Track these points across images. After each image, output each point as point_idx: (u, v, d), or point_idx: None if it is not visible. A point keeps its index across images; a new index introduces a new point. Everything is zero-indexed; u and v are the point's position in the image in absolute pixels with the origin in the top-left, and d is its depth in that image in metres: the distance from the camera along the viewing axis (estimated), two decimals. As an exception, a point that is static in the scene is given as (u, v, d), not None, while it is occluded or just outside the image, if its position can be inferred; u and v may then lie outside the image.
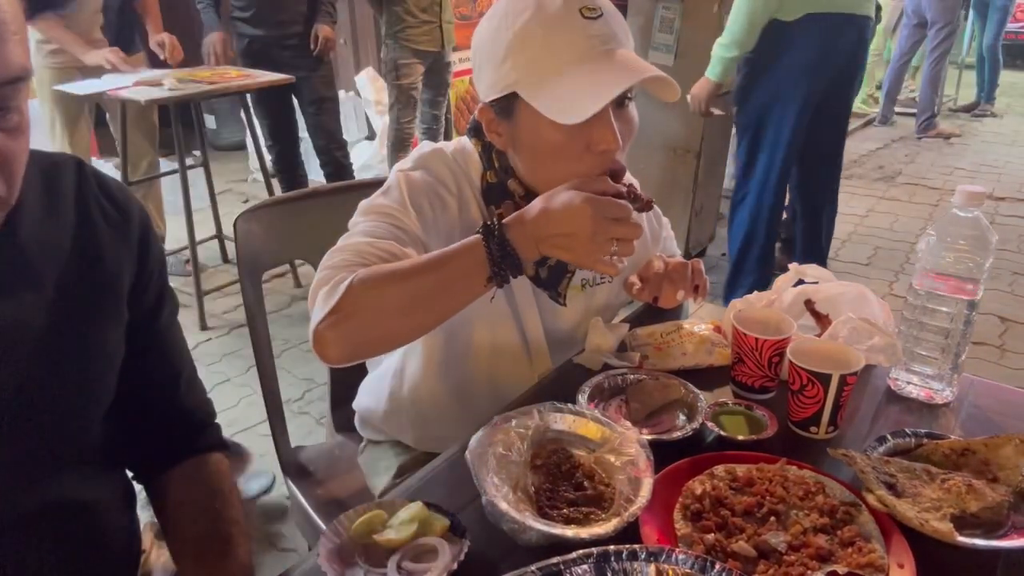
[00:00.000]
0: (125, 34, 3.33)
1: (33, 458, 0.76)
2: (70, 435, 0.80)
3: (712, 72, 2.67)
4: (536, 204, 0.89)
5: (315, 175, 4.12)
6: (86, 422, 0.82)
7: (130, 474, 0.95)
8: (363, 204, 1.03)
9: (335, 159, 3.72)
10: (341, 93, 5.21)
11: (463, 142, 1.12)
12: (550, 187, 1.02)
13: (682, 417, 1.02)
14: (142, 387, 0.89)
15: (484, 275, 0.87)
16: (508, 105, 0.99)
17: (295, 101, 3.58)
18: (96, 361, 0.81)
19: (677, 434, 0.96)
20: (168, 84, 2.92)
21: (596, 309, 1.24)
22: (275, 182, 3.67)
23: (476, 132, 1.10)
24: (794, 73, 2.63)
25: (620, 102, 0.99)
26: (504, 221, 0.88)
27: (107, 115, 3.41)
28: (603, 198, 0.86)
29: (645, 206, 0.95)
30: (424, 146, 1.10)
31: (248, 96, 3.41)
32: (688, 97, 2.76)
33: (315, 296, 0.90)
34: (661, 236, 1.34)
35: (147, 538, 1.01)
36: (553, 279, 1.14)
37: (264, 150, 3.54)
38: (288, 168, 3.68)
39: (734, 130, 3.13)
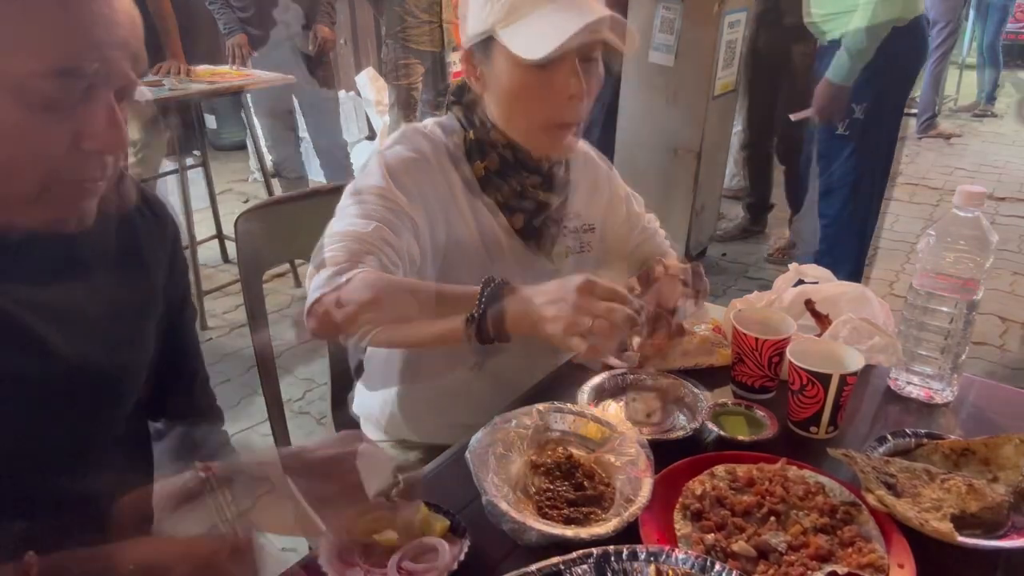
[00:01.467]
0: None
1: (71, 442, 0.79)
2: (107, 420, 0.83)
3: (848, 76, 2.55)
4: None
5: (315, 175, 4.12)
6: (121, 408, 0.86)
7: None
8: (349, 187, 1.06)
9: (335, 159, 3.72)
10: (341, 93, 5.19)
11: (442, 119, 1.16)
12: (520, 131, 1.09)
13: (682, 417, 1.02)
14: (161, 384, 0.92)
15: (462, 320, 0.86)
16: (486, 48, 1.06)
17: (295, 101, 3.58)
18: (137, 348, 0.85)
19: (678, 433, 0.96)
20: (167, 84, 2.93)
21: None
22: (275, 182, 3.67)
23: (457, 96, 1.14)
24: (910, 73, 2.71)
25: (586, 57, 1.04)
26: (503, 289, 0.86)
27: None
28: (603, 284, 0.83)
29: (676, 331, 1.01)
30: (404, 127, 1.14)
31: (248, 96, 3.41)
32: (810, 111, 2.67)
33: (318, 270, 0.93)
34: (640, 224, 1.33)
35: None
36: (541, 238, 1.17)
37: (264, 150, 3.54)
38: (288, 168, 3.68)
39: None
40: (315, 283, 0.92)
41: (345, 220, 0.99)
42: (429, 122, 1.15)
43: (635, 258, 1.33)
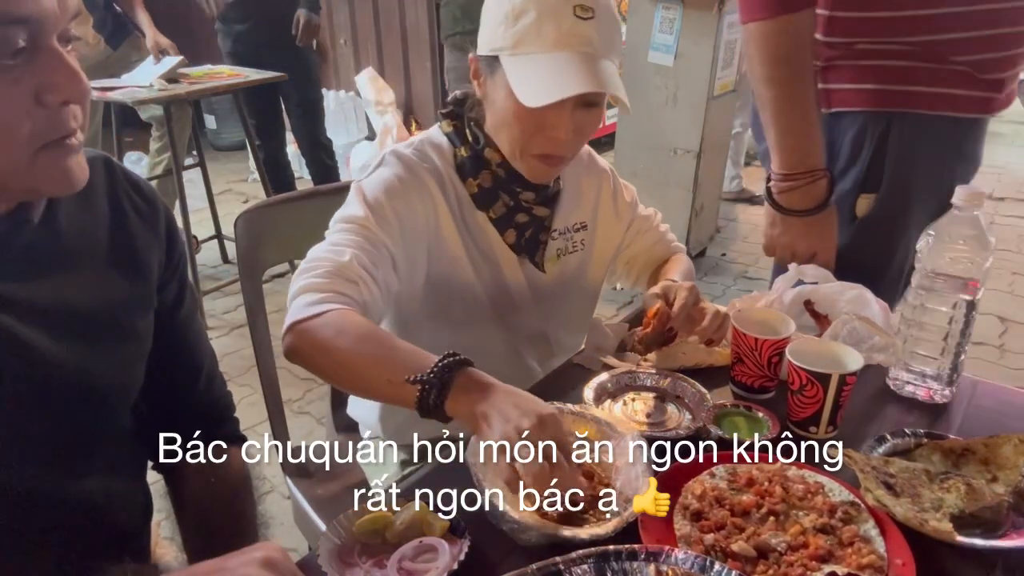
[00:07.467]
0: (117, 29, 3.34)
1: (62, 442, 0.77)
2: (101, 418, 0.81)
3: None
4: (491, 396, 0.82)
5: (308, 174, 4.12)
6: (117, 406, 0.84)
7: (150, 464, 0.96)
8: (335, 216, 1.06)
9: (320, 160, 3.73)
10: (341, 93, 5.18)
11: (427, 134, 1.16)
12: (506, 152, 1.09)
13: (682, 417, 1.02)
14: (165, 378, 0.90)
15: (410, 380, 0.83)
16: (493, 63, 1.05)
17: (282, 102, 3.58)
18: (131, 344, 0.83)
19: (679, 433, 0.96)
20: (157, 85, 2.93)
21: (573, 275, 1.26)
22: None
23: (451, 114, 1.14)
24: None
25: (589, 103, 1.03)
26: (460, 368, 0.83)
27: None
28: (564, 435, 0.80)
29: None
30: (384, 152, 1.13)
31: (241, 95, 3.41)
32: None
33: (296, 296, 0.94)
34: (631, 216, 1.33)
35: (153, 536, 1.02)
36: (530, 248, 1.18)
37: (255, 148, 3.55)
38: (275, 167, 3.67)
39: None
40: (295, 306, 0.93)
41: (325, 247, 1.00)
42: (417, 139, 1.14)
43: (651, 257, 1.35)
